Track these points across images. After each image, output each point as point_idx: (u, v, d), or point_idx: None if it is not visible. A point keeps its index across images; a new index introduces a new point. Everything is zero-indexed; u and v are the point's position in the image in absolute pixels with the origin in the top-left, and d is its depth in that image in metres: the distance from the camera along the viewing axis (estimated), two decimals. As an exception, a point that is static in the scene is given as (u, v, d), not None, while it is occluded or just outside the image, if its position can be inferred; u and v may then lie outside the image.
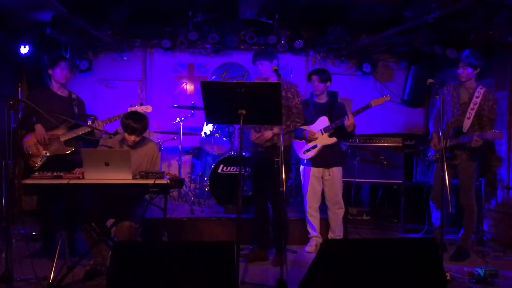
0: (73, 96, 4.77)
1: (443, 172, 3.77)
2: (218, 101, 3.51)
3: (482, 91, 4.54)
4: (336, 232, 4.98)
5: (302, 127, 4.85)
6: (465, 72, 4.57)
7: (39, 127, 4.45)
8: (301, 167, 5.06)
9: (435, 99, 4.12)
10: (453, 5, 4.81)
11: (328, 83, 4.90)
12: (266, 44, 6.66)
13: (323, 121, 4.85)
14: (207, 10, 6.19)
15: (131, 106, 4.78)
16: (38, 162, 4.47)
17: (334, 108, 4.91)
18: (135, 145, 4.12)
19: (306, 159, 4.96)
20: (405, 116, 7.13)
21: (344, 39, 6.58)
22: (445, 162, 3.80)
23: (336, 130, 4.82)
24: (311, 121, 4.91)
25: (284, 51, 6.73)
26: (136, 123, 3.99)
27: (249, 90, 3.38)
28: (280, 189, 3.63)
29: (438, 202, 4.60)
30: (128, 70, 7.00)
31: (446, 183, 3.75)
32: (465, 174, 4.61)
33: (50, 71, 4.64)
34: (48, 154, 4.49)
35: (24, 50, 5.69)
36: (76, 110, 4.67)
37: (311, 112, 4.93)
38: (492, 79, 5.70)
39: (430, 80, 4.14)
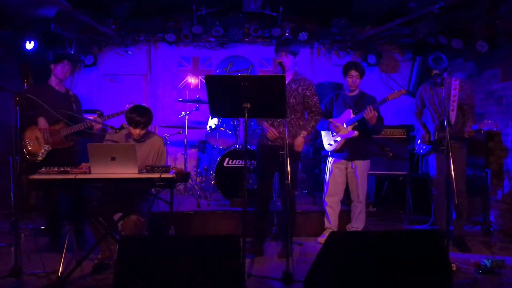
0: (70, 93, 4.85)
1: (448, 163, 3.77)
2: (222, 94, 3.51)
3: (457, 82, 4.66)
4: (353, 223, 5.00)
5: (328, 119, 4.91)
6: (442, 76, 4.62)
7: (42, 120, 4.49)
8: (328, 158, 5.06)
9: (440, 90, 4.19)
10: (458, -5, 4.79)
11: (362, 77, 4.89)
12: (271, 36, 6.65)
13: (347, 114, 4.84)
14: (211, 3, 6.18)
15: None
16: (39, 157, 4.48)
17: (362, 101, 4.85)
18: (140, 139, 4.15)
19: (331, 151, 4.98)
20: (410, 107, 7.07)
21: (349, 31, 6.56)
22: (450, 154, 3.80)
23: (362, 124, 4.77)
24: (338, 114, 4.91)
25: (288, 43, 6.74)
26: (140, 117, 4.02)
27: (253, 83, 3.39)
28: (286, 182, 3.64)
29: (443, 194, 4.64)
30: (132, 64, 7.01)
31: (452, 174, 3.75)
32: (458, 162, 4.65)
33: (52, 66, 4.70)
34: (49, 148, 4.51)
35: (29, 45, 5.71)
36: (74, 106, 4.74)
37: (340, 105, 4.93)
38: (497, 69, 5.67)
39: (435, 71, 4.17)
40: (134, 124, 4.03)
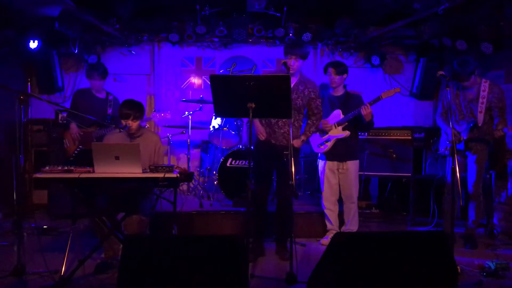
0: (110, 97, 5.43)
1: (454, 164, 3.77)
2: (227, 94, 3.51)
3: (486, 84, 4.67)
4: (348, 225, 4.98)
5: None
6: (471, 80, 4.69)
7: (73, 126, 5.19)
8: (319, 161, 5.06)
9: (446, 91, 4.20)
10: (463, -4, 4.77)
11: (344, 76, 4.86)
12: (274, 37, 6.63)
13: (336, 115, 4.83)
14: (215, 3, 6.17)
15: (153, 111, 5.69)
16: (73, 155, 5.20)
17: (349, 101, 4.86)
18: (135, 134, 4.19)
19: (321, 153, 4.95)
20: (414, 109, 7.09)
21: (352, 32, 6.55)
22: (455, 155, 3.79)
23: (353, 122, 4.78)
24: (326, 115, 4.88)
25: (292, 44, 6.72)
26: (128, 109, 4.09)
27: (258, 83, 3.38)
28: (290, 182, 3.63)
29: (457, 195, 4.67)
30: (136, 64, 7.01)
31: (457, 176, 3.76)
32: (481, 164, 4.77)
33: (88, 79, 5.35)
34: (81, 147, 5.20)
35: (33, 45, 5.72)
36: (110, 111, 5.34)
37: (326, 105, 4.91)
38: (501, 70, 5.67)
39: (441, 72, 4.15)
40: (124, 116, 4.09)
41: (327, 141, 4.84)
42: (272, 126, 4.38)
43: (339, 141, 4.81)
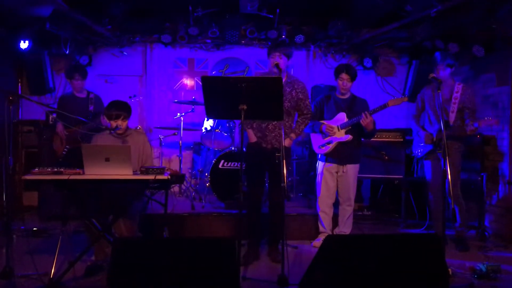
0: (91, 95, 5.56)
1: (445, 166, 3.77)
2: (219, 96, 3.49)
3: (460, 86, 4.75)
4: (341, 227, 4.95)
5: (320, 121, 4.85)
6: (445, 72, 4.73)
7: (59, 125, 5.32)
8: (318, 162, 5.02)
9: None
10: (456, -1, 4.78)
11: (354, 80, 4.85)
12: (267, 38, 6.63)
13: (341, 118, 4.79)
14: (208, 4, 6.15)
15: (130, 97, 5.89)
16: (62, 155, 5.31)
17: (354, 105, 4.83)
18: (123, 134, 4.18)
19: (321, 154, 4.93)
20: (406, 111, 7.09)
21: (345, 34, 6.54)
22: (447, 157, 3.79)
23: (355, 128, 4.75)
24: (330, 117, 4.86)
25: (285, 46, 6.72)
26: (118, 110, 4.09)
27: (250, 85, 3.36)
28: (282, 184, 3.61)
29: (440, 198, 4.66)
30: (128, 65, 6.97)
31: (448, 177, 3.75)
32: (455, 166, 4.73)
33: (68, 81, 5.51)
34: (68, 147, 5.32)
35: (23, 45, 5.67)
36: (91, 108, 5.45)
37: (331, 107, 4.88)
38: (492, 74, 5.68)
39: (432, 75, 4.19)
40: (115, 117, 4.08)
41: (329, 142, 4.80)
42: (263, 131, 4.36)
43: (341, 144, 4.77)
